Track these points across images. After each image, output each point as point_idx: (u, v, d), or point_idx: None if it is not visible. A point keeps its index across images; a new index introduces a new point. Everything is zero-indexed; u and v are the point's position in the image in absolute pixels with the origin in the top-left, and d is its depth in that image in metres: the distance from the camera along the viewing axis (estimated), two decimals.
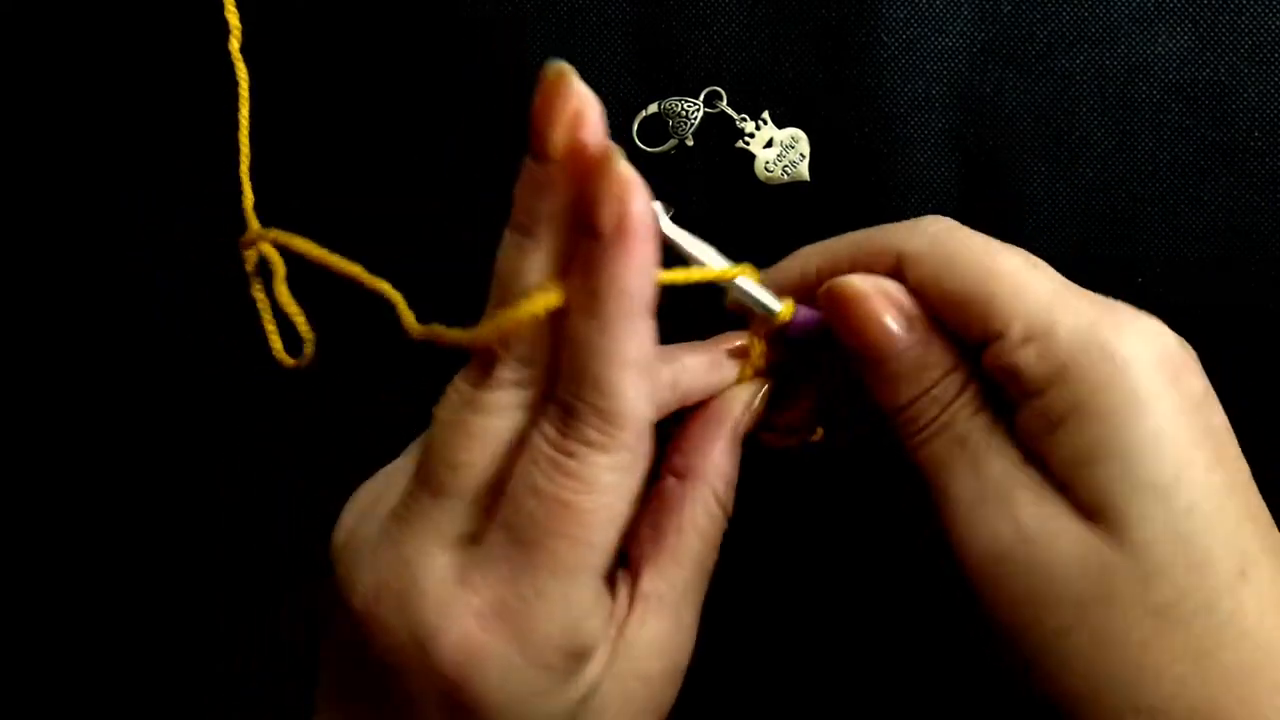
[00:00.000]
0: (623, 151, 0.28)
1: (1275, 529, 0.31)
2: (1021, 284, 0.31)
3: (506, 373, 0.31)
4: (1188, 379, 0.31)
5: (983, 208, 0.43)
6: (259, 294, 0.41)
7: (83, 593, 0.45)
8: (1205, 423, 0.30)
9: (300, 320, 0.39)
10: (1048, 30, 0.43)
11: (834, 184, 0.43)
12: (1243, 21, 0.43)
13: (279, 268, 0.38)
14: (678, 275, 0.34)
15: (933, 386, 0.33)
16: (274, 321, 0.41)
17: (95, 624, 0.45)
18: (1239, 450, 0.31)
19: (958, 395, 0.33)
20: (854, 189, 0.43)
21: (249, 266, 0.38)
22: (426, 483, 0.31)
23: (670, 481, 0.34)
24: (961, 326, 0.32)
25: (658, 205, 0.32)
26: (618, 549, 0.31)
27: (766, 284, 0.36)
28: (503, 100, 0.44)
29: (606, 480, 0.29)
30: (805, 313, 0.35)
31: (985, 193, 0.43)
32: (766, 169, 0.43)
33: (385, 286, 0.34)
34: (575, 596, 0.29)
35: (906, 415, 0.33)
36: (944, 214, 0.43)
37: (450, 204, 0.43)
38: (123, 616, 0.45)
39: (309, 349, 0.40)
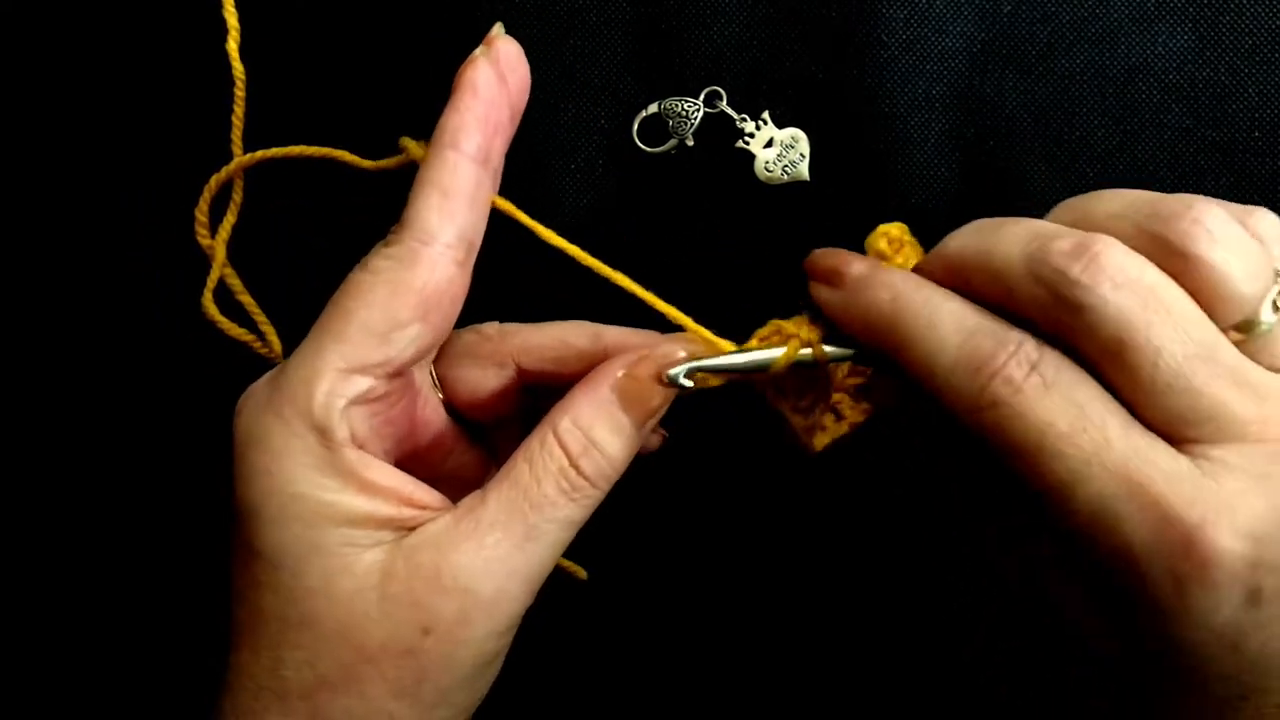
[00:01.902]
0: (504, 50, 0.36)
1: None
2: (1074, 470, 0.29)
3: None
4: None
5: (983, 208, 0.43)
6: (244, 297, 0.42)
7: (83, 592, 0.45)
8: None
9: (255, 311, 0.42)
10: (1048, 31, 0.43)
11: (834, 184, 0.43)
12: (1243, 21, 0.43)
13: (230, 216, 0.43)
14: (631, 285, 0.38)
15: (1015, 352, 0.31)
16: (264, 314, 0.42)
17: (95, 623, 0.45)
18: None
19: (1041, 355, 0.31)
20: (854, 189, 0.43)
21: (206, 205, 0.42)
22: None
23: None
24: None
25: (676, 371, 0.35)
26: (390, 353, 0.33)
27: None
28: None
29: (377, 264, 0.34)
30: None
31: (985, 193, 0.43)
32: (766, 169, 0.43)
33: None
34: (320, 354, 0.33)
35: (987, 382, 0.31)
36: (944, 214, 0.43)
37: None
38: (123, 616, 0.45)
39: (275, 342, 0.42)
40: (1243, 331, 0.31)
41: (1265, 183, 0.43)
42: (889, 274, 0.34)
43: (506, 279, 0.41)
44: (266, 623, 0.32)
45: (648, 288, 0.39)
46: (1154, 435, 0.29)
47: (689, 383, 0.35)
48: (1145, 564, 0.28)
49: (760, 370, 0.36)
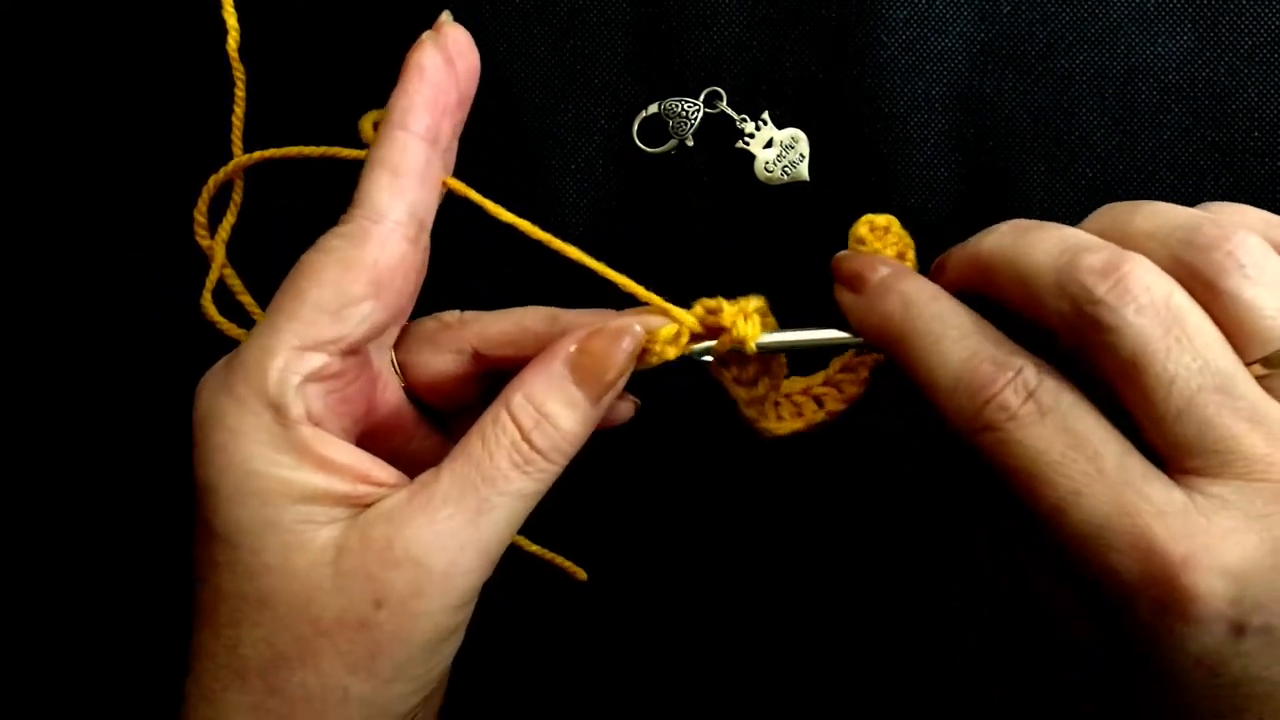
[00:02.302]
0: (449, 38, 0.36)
1: None
2: (1064, 499, 0.30)
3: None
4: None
5: (982, 208, 0.43)
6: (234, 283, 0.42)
7: (83, 592, 0.45)
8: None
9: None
10: (1047, 31, 0.43)
11: (834, 184, 0.43)
12: (1243, 22, 0.43)
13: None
14: (592, 262, 0.38)
15: (1014, 377, 0.31)
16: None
17: (95, 623, 0.45)
18: None
19: (1040, 382, 0.31)
20: (854, 189, 0.43)
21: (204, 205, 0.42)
22: None
23: None
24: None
25: (700, 347, 0.37)
26: (342, 329, 0.33)
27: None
28: (503, 101, 0.44)
29: (329, 243, 0.34)
30: None
31: (985, 193, 0.43)
32: (766, 169, 0.43)
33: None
34: (273, 332, 0.33)
35: (984, 408, 0.32)
36: (944, 214, 0.43)
37: (448, 203, 0.43)
38: (122, 615, 0.45)
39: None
40: (1268, 367, 0.30)
41: (1265, 183, 0.43)
42: (908, 282, 0.34)
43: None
44: (225, 600, 0.32)
45: (648, 288, 0.39)
46: (1151, 466, 0.30)
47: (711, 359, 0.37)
48: (1130, 591, 0.29)
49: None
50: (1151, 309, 0.30)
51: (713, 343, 0.37)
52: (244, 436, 0.32)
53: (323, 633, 0.32)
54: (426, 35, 0.36)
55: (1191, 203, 0.43)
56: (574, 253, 0.38)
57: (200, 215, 0.43)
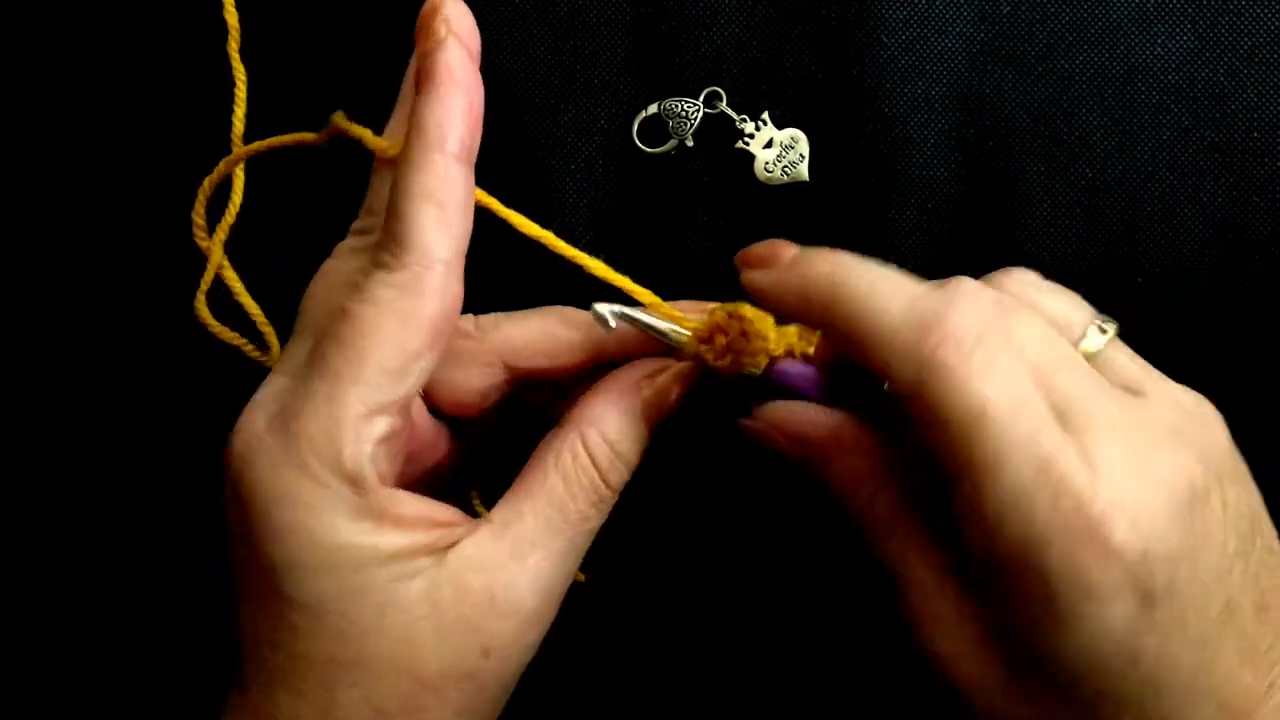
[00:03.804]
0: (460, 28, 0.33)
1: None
2: (1004, 450, 0.29)
3: (357, 222, 0.36)
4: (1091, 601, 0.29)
5: (982, 208, 0.43)
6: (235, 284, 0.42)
7: (83, 592, 0.45)
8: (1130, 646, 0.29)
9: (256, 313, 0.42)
10: (1047, 31, 0.43)
11: (834, 185, 0.43)
12: (1242, 22, 0.43)
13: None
14: (608, 273, 0.37)
15: (873, 497, 0.33)
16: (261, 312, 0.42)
17: (95, 623, 0.45)
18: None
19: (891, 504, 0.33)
20: (854, 190, 0.43)
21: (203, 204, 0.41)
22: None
23: (551, 431, 0.36)
24: (932, 448, 0.31)
25: (605, 308, 0.35)
26: (405, 388, 0.32)
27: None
28: (503, 102, 0.44)
29: (382, 294, 0.31)
30: (797, 370, 0.36)
31: (984, 193, 0.43)
32: (766, 169, 0.43)
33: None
34: (339, 400, 0.31)
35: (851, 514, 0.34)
36: (943, 214, 0.43)
37: None
38: (123, 615, 0.45)
39: (275, 345, 0.42)
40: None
41: (1265, 183, 0.43)
42: (822, 250, 0.33)
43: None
44: (313, 666, 0.32)
45: (648, 288, 0.39)
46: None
47: (613, 324, 0.35)
48: (1049, 554, 0.28)
49: (675, 345, 0.36)
50: (987, 301, 0.31)
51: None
52: (323, 512, 0.31)
53: (429, 687, 0.32)
54: (442, 29, 0.33)
55: (1191, 203, 0.43)
56: (599, 267, 0.37)
57: (198, 217, 0.42)
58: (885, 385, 0.34)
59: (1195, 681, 0.29)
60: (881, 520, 0.34)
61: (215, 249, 0.42)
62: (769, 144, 0.43)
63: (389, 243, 0.32)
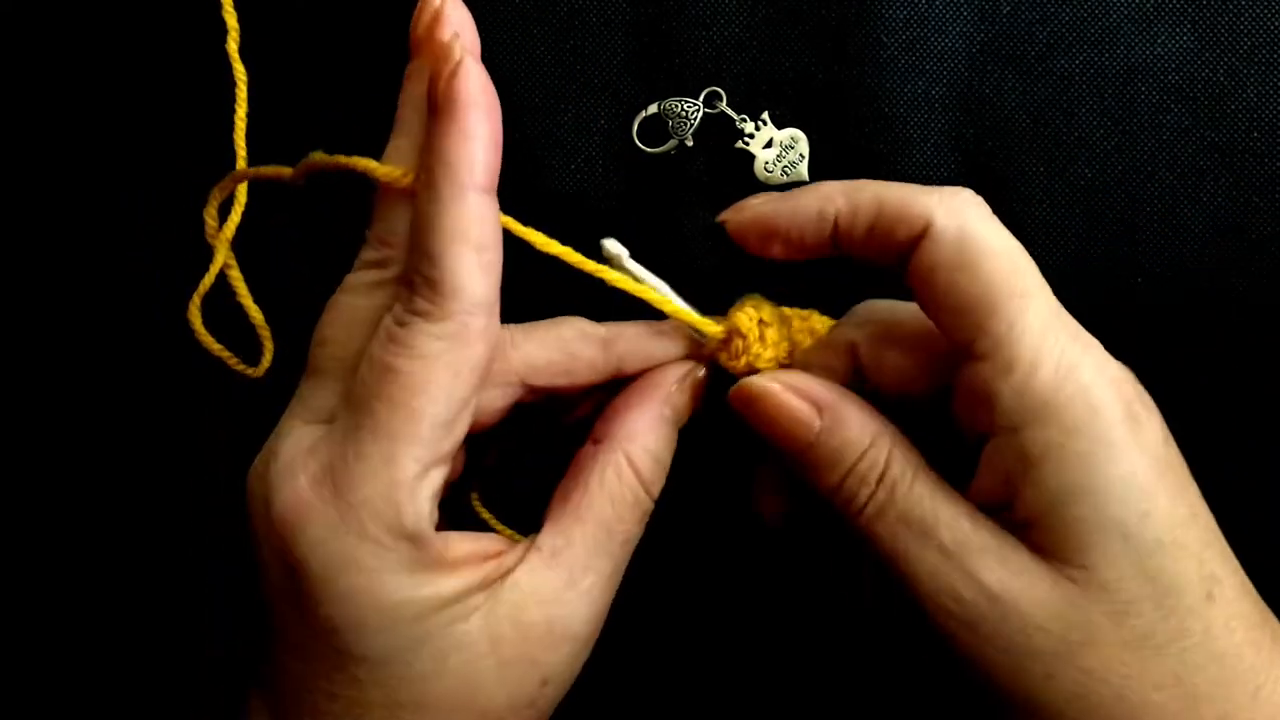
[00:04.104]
0: (468, 50, 0.31)
1: (1228, 548, 0.32)
2: (1021, 310, 0.31)
3: (368, 253, 0.33)
4: (1149, 421, 0.31)
5: None
6: (241, 289, 0.41)
7: (83, 592, 0.45)
8: (1166, 459, 0.31)
9: (260, 322, 0.41)
10: (1047, 31, 0.43)
11: None
12: (1242, 22, 0.43)
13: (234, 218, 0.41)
14: (626, 283, 0.36)
15: (857, 463, 0.33)
16: (261, 315, 0.42)
17: (95, 623, 0.45)
18: (1192, 479, 0.32)
19: (885, 469, 0.33)
20: None
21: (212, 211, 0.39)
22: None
23: (587, 447, 0.35)
24: (947, 324, 0.32)
25: (613, 243, 0.36)
26: (456, 435, 0.31)
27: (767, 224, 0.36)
28: (503, 101, 0.44)
29: (430, 347, 0.30)
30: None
31: (985, 193, 0.43)
32: (766, 169, 0.43)
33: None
34: (396, 462, 0.30)
35: (840, 498, 0.34)
36: None
37: None
38: (123, 615, 0.45)
39: (267, 356, 0.41)
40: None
41: (1265, 183, 0.43)
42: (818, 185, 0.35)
43: None
44: (371, 710, 0.31)
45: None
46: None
47: (630, 268, 0.36)
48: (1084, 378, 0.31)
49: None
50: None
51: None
52: (385, 574, 0.30)
53: (494, 719, 0.32)
54: (456, 51, 0.31)
55: (1191, 203, 0.43)
56: (621, 280, 0.36)
57: (210, 218, 0.41)
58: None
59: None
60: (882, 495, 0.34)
61: (220, 250, 0.41)
62: (769, 144, 0.43)
63: (425, 289, 0.30)
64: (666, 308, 0.37)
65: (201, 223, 0.40)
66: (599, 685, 0.44)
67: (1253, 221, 0.43)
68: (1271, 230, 0.43)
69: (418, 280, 0.30)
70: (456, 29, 0.32)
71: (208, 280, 0.41)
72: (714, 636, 0.44)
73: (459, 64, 0.30)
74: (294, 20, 0.44)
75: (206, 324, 0.41)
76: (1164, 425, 0.32)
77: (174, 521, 0.44)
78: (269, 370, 0.41)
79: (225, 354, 0.41)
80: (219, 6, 0.43)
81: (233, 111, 0.43)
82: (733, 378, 0.37)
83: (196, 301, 0.41)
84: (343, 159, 0.33)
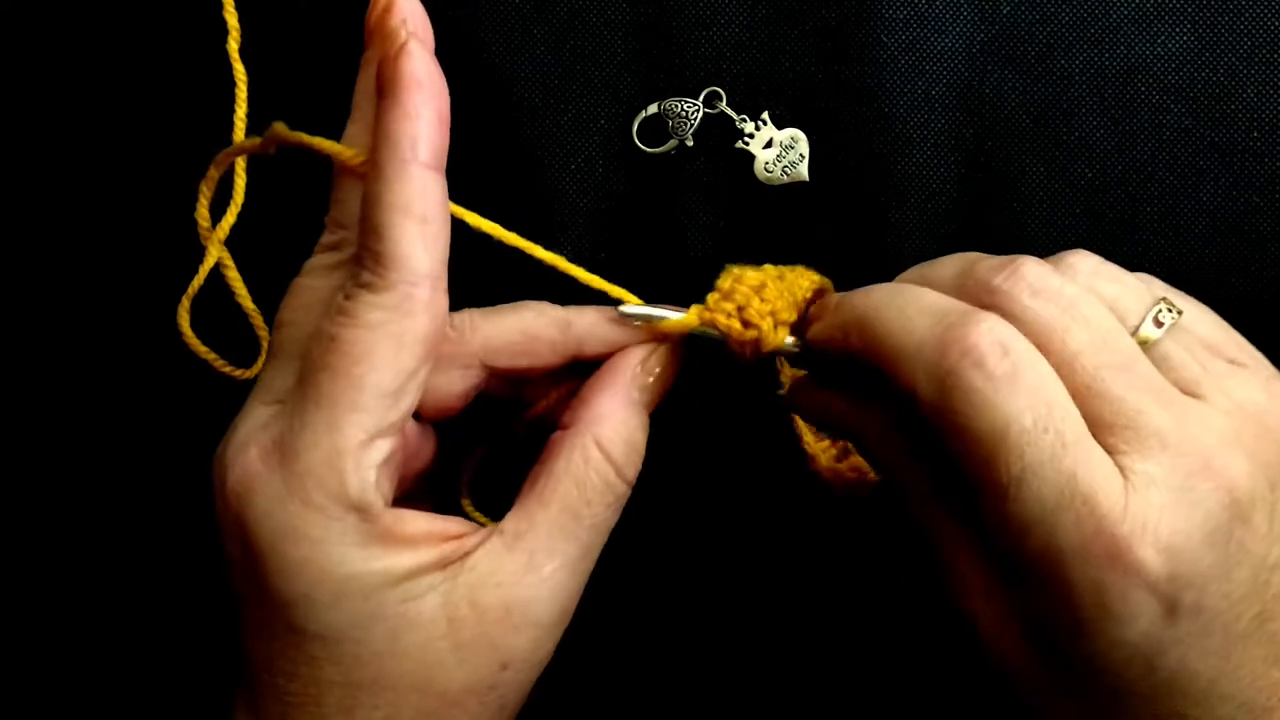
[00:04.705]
0: (418, 41, 0.31)
1: None
2: (1027, 469, 0.28)
3: (325, 236, 0.34)
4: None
5: (982, 208, 0.43)
6: (239, 288, 0.41)
7: (84, 592, 0.45)
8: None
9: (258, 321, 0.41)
10: (1047, 31, 0.43)
11: (833, 184, 0.43)
12: (1242, 22, 0.43)
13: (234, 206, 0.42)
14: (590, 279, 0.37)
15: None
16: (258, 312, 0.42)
17: (98, 623, 0.45)
18: None
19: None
20: (853, 189, 0.43)
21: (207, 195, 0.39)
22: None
23: (556, 434, 0.35)
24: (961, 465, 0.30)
25: (631, 309, 0.36)
26: (403, 407, 0.31)
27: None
28: (502, 101, 0.44)
29: (371, 316, 0.30)
30: None
31: (984, 193, 0.43)
32: (766, 169, 0.43)
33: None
34: (338, 430, 0.30)
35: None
36: (943, 215, 0.43)
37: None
38: (126, 616, 0.45)
39: (263, 356, 0.41)
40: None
41: (1265, 183, 0.43)
42: (867, 290, 0.33)
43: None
44: (330, 690, 0.32)
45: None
46: (1095, 441, 0.29)
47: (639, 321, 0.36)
48: (1071, 569, 0.28)
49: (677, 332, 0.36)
50: (1046, 293, 0.30)
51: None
52: (331, 545, 0.31)
53: (452, 703, 0.32)
54: (402, 33, 0.32)
55: (1191, 203, 0.43)
56: (586, 275, 0.37)
57: (202, 219, 0.41)
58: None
59: (1215, 687, 0.29)
60: (915, 490, 0.33)
61: (212, 250, 0.41)
62: (769, 144, 0.43)
63: (370, 261, 0.31)
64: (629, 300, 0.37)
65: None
66: (579, 674, 0.44)
67: (1253, 221, 0.43)
68: (1271, 230, 0.43)
69: (365, 255, 0.31)
70: (405, 16, 0.33)
71: (197, 281, 0.40)
72: (698, 626, 0.44)
73: (403, 45, 0.31)
74: (294, 21, 0.44)
75: (211, 322, 0.41)
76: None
77: (177, 520, 0.44)
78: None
79: (211, 356, 0.41)
80: (220, 6, 0.43)
81: (232, 112, 0.43)
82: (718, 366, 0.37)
83: (185, 304, 0.41)
84: (302, 136, 0.34)
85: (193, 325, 0.41)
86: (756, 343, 0.35)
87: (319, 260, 0.34)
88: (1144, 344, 0.31)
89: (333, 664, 0.31)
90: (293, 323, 0.34)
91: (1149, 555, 0.27)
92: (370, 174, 0.31)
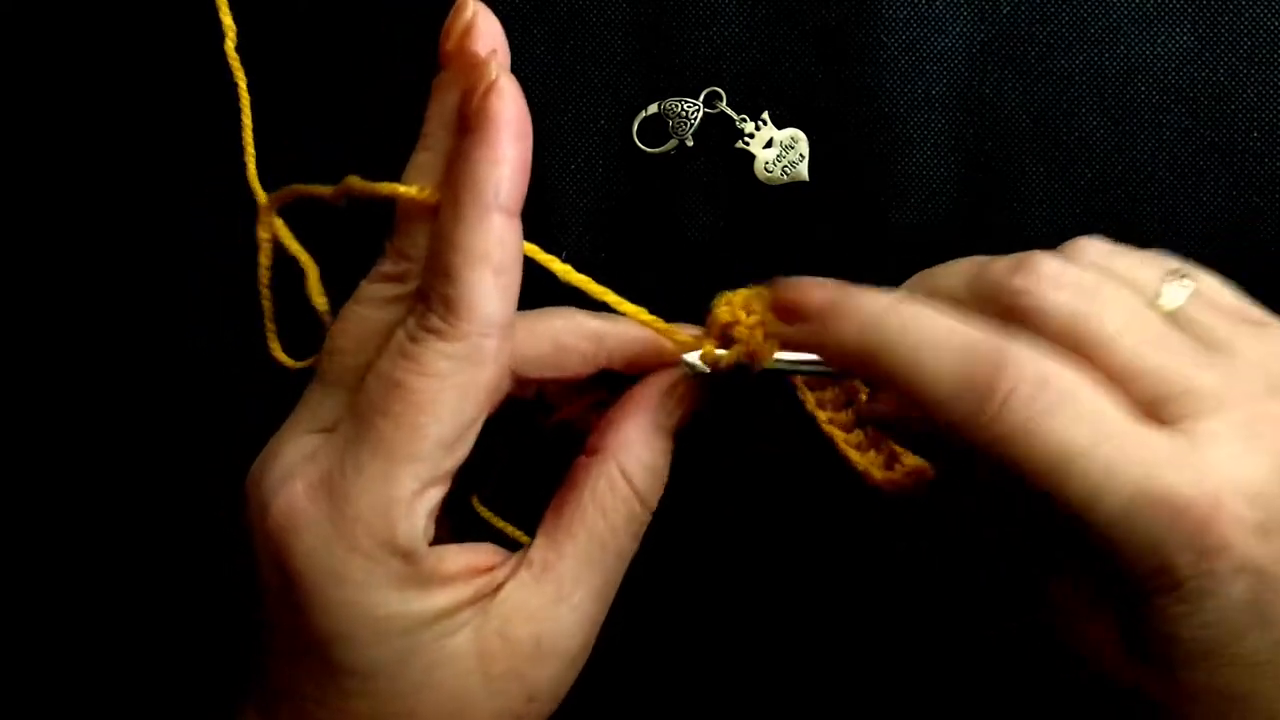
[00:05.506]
0: (507, 72, 0.30)
1: None
2: (1095, 486, 0.27)
3: (385, 266, 0.33)
4: None
5: (982, 208, 0.43)
6: (264, 286, 0.41)
7: (92, 593, 0.45)
8: None
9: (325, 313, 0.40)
10: (1047, 31, 0.43)
11: (833, 184, 0.43)
12: (1243, 22, 0.43)
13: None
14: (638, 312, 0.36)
15: None
16: (274, 321, 0.42)
17: (104, 624, 0.45)
18: None
19: None
20: (853, 189, 0.43)
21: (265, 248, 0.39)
22: (315, 373, 0.33)
23: (581, 459, 0.35)
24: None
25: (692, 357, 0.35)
26: (458, 455, 0.31)
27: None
28: None
29: (440, 365, 0.30)
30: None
31: (985, 193, 0.43)
32: (766, 169, 0.43)
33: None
34: (394, 480, 0.30)
35: None
36: (943, 215, 0.43)
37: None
38: (131, 616, 0.45)
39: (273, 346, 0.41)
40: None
41: (1265, 183, 0.43)
42: (854, 299, 0.31)
43: None
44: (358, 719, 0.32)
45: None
46: (1142, 421, 0.28)
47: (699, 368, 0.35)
48: (1170, 556, 0.27)
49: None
50: (1068, 285, 0.30)
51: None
52: (375, 589, 0.30)
53: None
54: (489, 60, 0.30)
55: (1191, 203, 0.43)
56: (632, 309, 0.36)
57: (264, 232, 0.41)
58: None
59: None
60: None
61: (308, 269, 0.41)
62: (769, 144, 0.43)
63: (440, 307, 0.30)
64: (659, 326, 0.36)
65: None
66: (593, 700, 0.44)
67: (1253, 221, 0.43)
68: (1271, 230, 0.43)
69: (434, 297, 0.30)
70: (491, 43, 0.31)
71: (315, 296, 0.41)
72: (710, 650, 0.44)
73: (494, 83, 0.30)
74: (294, 21, 0.44)
75: (234, 322, 0.42)
76: None
77: (190, 520, 0.44)
78: (270, 378, 0.41)
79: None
80: (216, 9, 0.43)
81: (232, 111, 0.43)
82: (733, 383, 0.37)
83: (270, 330, 0.41)
84: (377, 187, 0.33)
85: (184, 324, 0.41)
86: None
87: (378, 290, 0.33)
88: (1168, 314, 0.31)
89: (364, 698, 0.31)
90: (345, 351, 0.32)
91: (1239, 508, 0.27)
92: (447, 214, 0.30)
